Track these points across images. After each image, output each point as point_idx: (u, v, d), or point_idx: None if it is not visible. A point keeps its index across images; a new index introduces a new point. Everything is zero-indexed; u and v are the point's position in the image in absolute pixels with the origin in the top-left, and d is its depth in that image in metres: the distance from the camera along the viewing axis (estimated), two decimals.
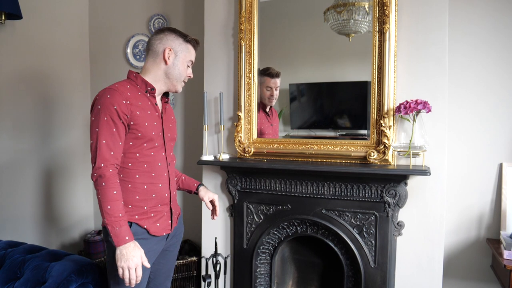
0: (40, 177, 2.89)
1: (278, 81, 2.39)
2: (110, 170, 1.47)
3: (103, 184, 1.45)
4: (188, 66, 1.69)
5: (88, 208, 3.30)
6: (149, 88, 1.61)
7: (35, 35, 2.82)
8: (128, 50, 3.09)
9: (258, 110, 2.40)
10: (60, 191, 3.06)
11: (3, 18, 2.51)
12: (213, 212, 1.90)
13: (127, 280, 1.44)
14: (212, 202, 1.88)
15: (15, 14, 2.47)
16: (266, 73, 2.39)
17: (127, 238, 1.44)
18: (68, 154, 3.07)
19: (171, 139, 1.71)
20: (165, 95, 1.73)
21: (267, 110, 2.44)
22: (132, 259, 1.43)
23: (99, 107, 1.50)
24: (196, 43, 1.70)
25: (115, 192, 1.46)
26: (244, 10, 2.32)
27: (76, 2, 3.16)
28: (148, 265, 1.49)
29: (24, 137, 2.78)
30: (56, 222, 3.03)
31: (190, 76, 1.71)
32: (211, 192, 1.89)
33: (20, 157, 2.76)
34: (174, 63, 1.63)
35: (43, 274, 1.83)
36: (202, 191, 1.87)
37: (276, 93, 2.40)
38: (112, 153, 1.48)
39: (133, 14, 3.10)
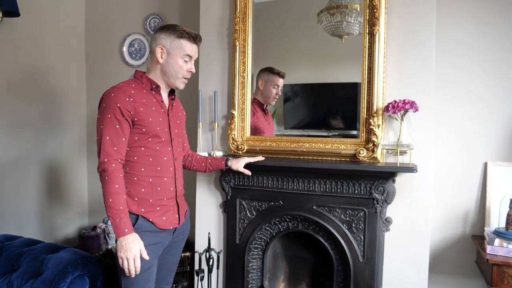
0: (36, 174, 2.92)
1: (282, 81, 2.43)
2: (113, 165, 1.53)
3: (106, 178, 1.52)
4: (186, 61, 1.69)
5: (83, 204, 3.33)
6: (154, 86, 1.67)
7: (32, 33, 2.85)
8: (124, 49, 3.13)
9: (255, 108, 2.44)
10: (55, 188, 3.09)
11: (0, 15, 2.53)
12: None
13: (126, 270, 1.50)
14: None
15: (13, 11, 2.50)
16: (273, 71, 2.41)
17: (126, 230, 1.50)
18: (64, 151, 3.09)
19: (178, 134, 1.75)
20: (172, 92, 1.77)
21: (264, 108, 2.48)
22: (130, 250, 1.48)
23: (104, 105, 1.57)
24: (191, 36, 1.68)
25: (116, 186, 1.52)
26: (238, 10, 2.37)
27: (73, 0, 3.20)
28: (147, 257, 1.53)
29: (21, 134, 2.80)
30: (51, 218, 3.05)
31: (191, 71, 1.72)
32: (241, 160, 2.05)
33: (18, 155, 2.78)
34: (167, 61, 1.66)
35: (40, 266, 1.86)
36: (234, 165, 2.05)
37: (280, 93, 2.44)
38: (115, 148, 1.54)
39: (129, 13, 3.14)
